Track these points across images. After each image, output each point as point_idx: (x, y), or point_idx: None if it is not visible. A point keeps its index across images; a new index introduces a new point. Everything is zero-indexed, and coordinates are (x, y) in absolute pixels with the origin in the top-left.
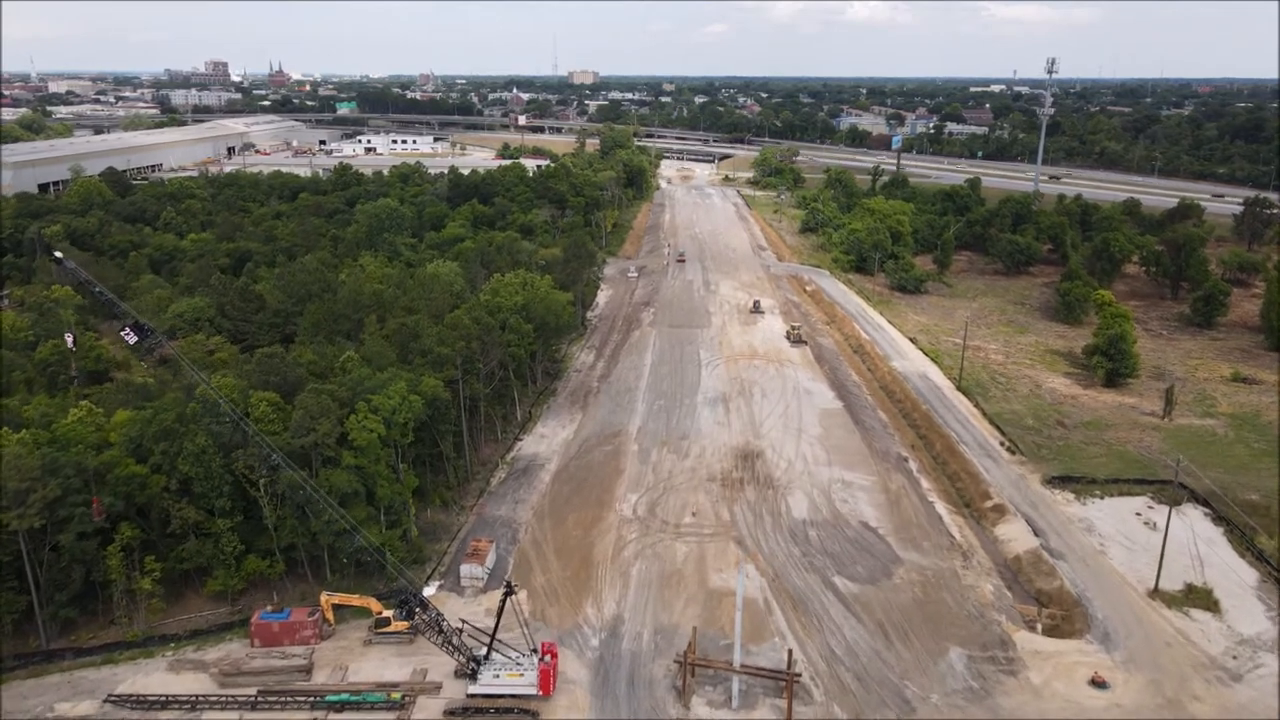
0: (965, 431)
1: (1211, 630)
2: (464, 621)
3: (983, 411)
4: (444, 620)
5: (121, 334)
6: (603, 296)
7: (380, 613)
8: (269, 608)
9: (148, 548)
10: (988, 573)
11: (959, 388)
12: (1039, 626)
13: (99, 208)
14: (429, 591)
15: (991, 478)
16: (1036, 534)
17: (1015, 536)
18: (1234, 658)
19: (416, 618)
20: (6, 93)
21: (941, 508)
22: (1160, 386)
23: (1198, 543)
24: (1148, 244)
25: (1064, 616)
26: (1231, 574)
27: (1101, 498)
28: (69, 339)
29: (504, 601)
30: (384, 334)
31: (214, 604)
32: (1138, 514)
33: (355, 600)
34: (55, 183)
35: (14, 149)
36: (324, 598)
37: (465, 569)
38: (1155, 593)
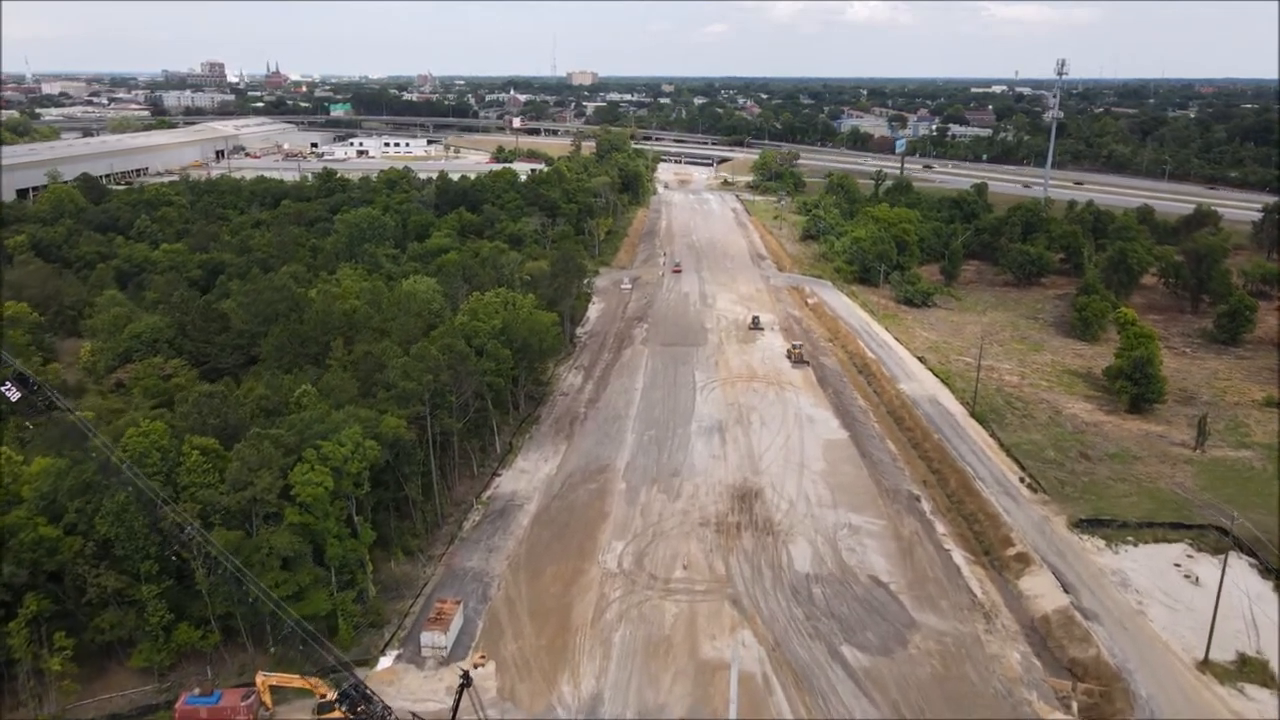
0: (981, 465)
1: (1270, 712)
2: (414, 716)
3: (999, 442)
4: (391, 714)
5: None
6: (594, 311)
7: (325, 696)
8: (196, 690)
9: (62, 618)
10: (1013, 638)
11: (973, 414)
12: (1074, 706)
13: (70, 216)
14: (385, 663)
15: (1012, 520)
16: (1066, 589)
17: (1042, 592)
18: None
19: (360, 711)
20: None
21: (959, 557)
22: (1188, 412)
23: (1247, 600)
24: (1167, 255)
25: (1103, 694)
26: None
27: (1135, 545)
28: None
29: (460, 693)
30: (350, 360)
31: (141, 679)
32: (1177, 565)
33: (296, 681)
34: (34, 188)
35: None
36: (260, 679)
37: (426, 637)
38: (1205, 664)
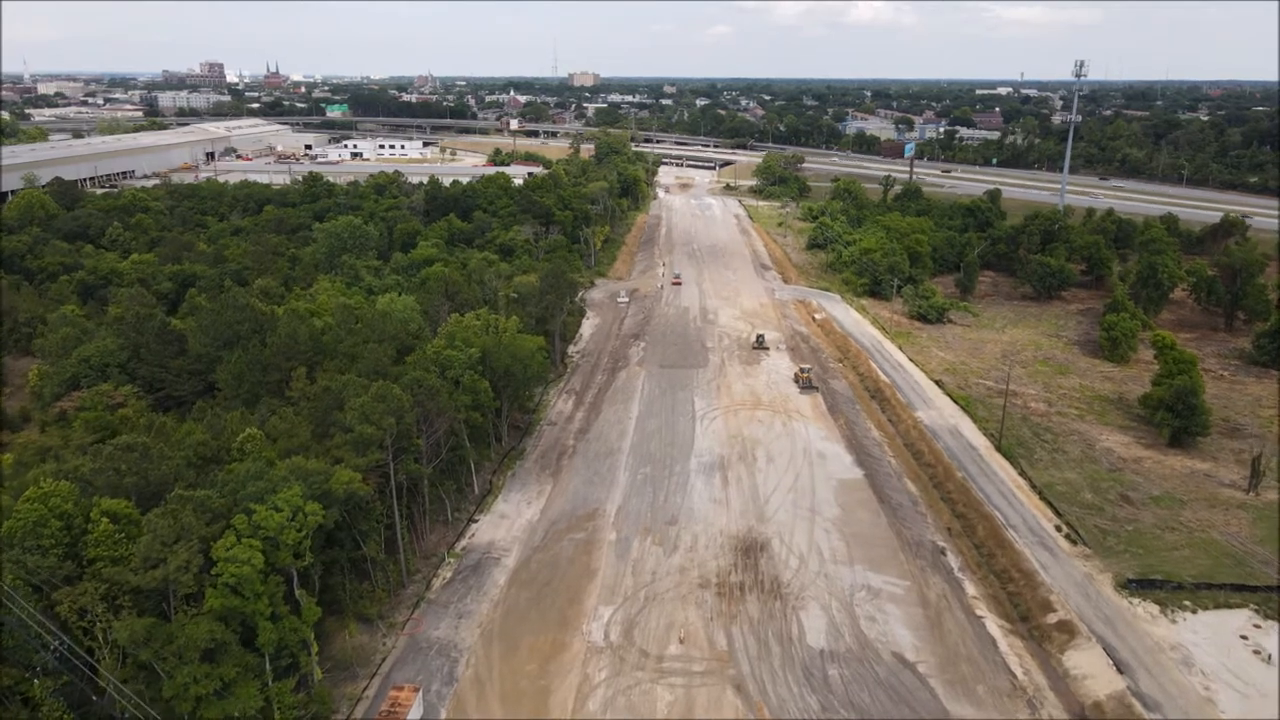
0: (1011, 510)
1: None
2: None
3: (1030, 482)
4: None
5: None
6: (588, 327)
7: None
8: None
9: None
10: None
11: (999, 448)
12: None
13: (39, 223)
14: None
15: (1051, 579)
16: (1120, 669)
17: (1092, 672)
18: None
19: None
20: None
21: (993, 626)
22: (1234, 446)
23: None
24: (1200, 269)
25: None
26: None
27: (1194, 611)
28: None
29: None
30: (311, 392)
31: None
32: (1244, 637)
33: None
34: (12, 192)
35: None
36: None
37: None
38: None
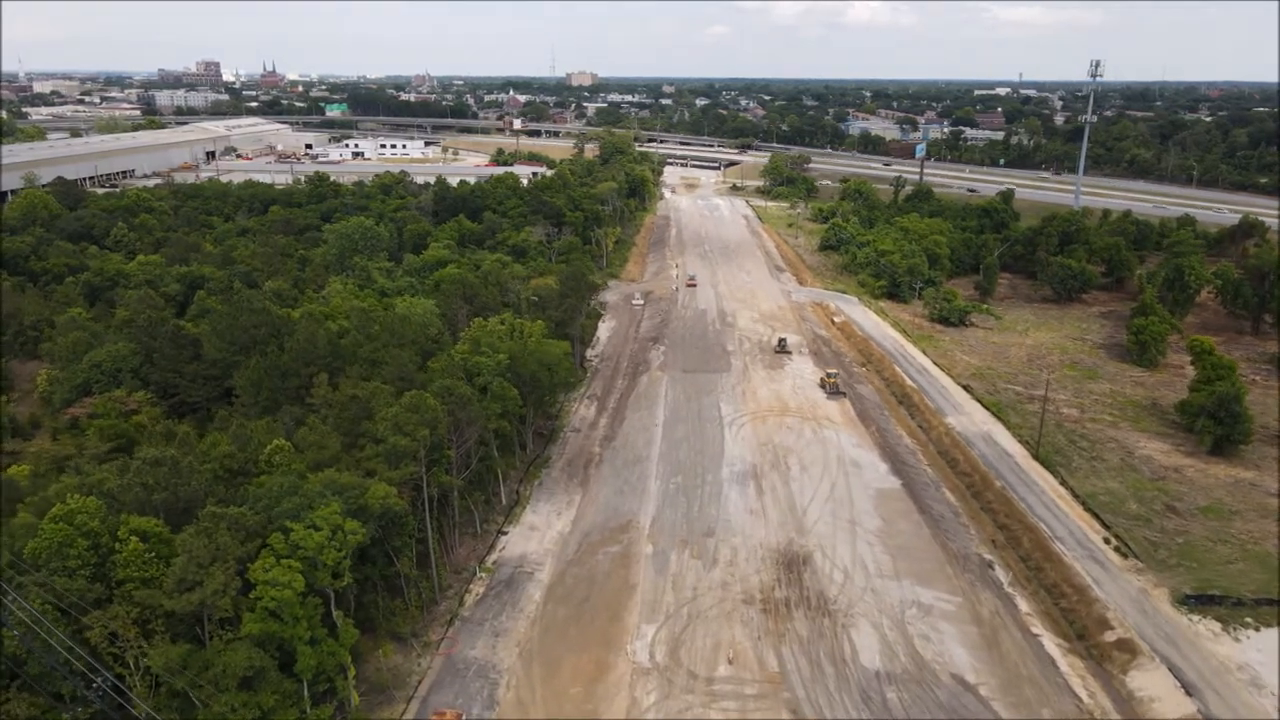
0: (1056, 521)
1: None
2: None
3: (1072, 491)
4: None
5: None
6: (604, 330)
7: None
8: None
9: None
10: None
11: (1036, 456)
12: None
13: (41, 224)
14: None
15: (1105, 595)
16: (1188, 691)
17: (1158, 694)
18: None
19: None
20: None
21: (1051, 644)
22: (1276, 454)
23: None
24: (1227, 271)
25: None
26: None
27: (1256, 629)
28: None
29: None
30: (335, 399)
31: None
32: None
33: None
34: (11, 191)
35: None
36: None
37: None
38: None
